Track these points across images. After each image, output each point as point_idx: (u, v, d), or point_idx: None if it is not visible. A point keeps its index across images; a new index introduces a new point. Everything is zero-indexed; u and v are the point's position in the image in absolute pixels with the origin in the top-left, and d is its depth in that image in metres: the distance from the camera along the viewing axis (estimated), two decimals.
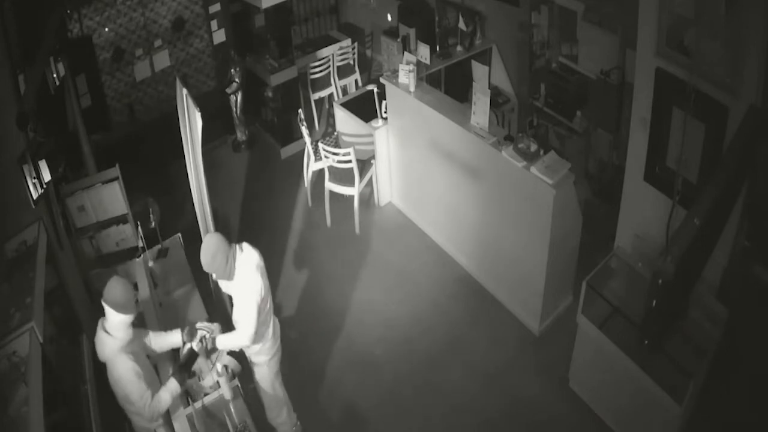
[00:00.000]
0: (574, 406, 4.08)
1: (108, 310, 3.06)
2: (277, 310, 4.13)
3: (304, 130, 5.50)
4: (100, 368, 3.61)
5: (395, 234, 5.63)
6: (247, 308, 3.30)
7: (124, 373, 3.07)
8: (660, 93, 3.47)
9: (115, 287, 3.07)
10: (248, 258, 3.37)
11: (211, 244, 3.24)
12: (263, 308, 3.37)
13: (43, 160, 3.67)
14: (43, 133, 3.90)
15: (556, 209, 4.04)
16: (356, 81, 7.14)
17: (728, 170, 2.92)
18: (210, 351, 3.43)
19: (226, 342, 3.39)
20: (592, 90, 5.12)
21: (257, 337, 3.39)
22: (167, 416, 3.37)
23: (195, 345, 3.37)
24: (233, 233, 5.72)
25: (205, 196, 3.84)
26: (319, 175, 5.98)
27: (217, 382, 3.36)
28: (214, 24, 6.53)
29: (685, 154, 3.30)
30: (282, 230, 5.76)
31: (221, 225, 5.43)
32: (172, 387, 3.22)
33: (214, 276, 3.42)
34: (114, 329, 3.07)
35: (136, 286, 4.02)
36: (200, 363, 3.53)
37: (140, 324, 3.80)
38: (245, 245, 3.42)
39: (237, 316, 3.40)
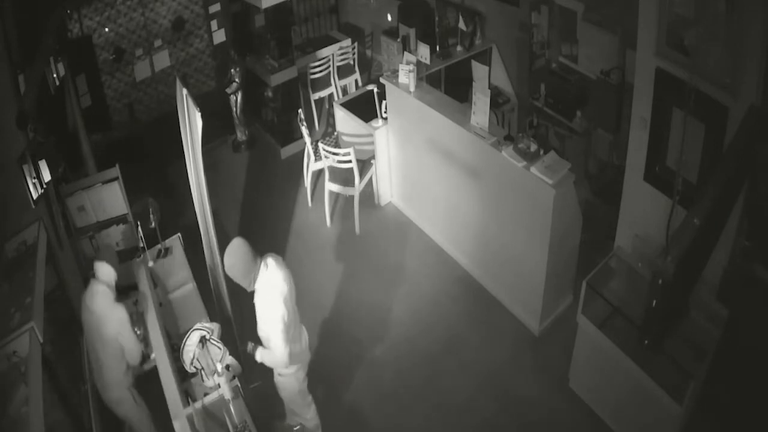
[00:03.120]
0: (573, 406, 4.08)
1: (97, 266, 3.49)
2: None
3: (304, 130, 5.50)
4: None
5: (395, 234, 5.63)
6: (274, 336, 3.22)
7: (124, 322, 3.44)
8: (660, 93, 3.47)
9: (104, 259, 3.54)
10: (271, 280, 3.23)
11: (233, 250, 3.16)
12: (289, 330, 3.27)
13: (43, 160, 3.67)
14: (43, 133, 3.91)
15: (556, 209, 4.04)
16: (356, 81, 7.14)
17: (728, 170, 2.92)
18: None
19: (265, 358, 3.36)
20: (592, 90, 5.11)
21: (292, 357, 3.33)
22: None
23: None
24: (233, 233, 5.72)
25: (205, 196, 3.83)
26: (319, 175, 5.98)
27: (218, 382, 3.36)
28: (214, 24, 6.54)
29: (685, 154, 3.30)
30: (282, 230, 5.76)
31: (221, 225, 5.44)
32: None
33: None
34: (103, 275, 3.47)
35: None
36: (202, 363, 3.53)
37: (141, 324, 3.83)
38: (271, 262, 3.25)
39: (263, 336, 3.36)
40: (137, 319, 3.84)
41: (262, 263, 3.23)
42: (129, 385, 3.63)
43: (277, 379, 3.62)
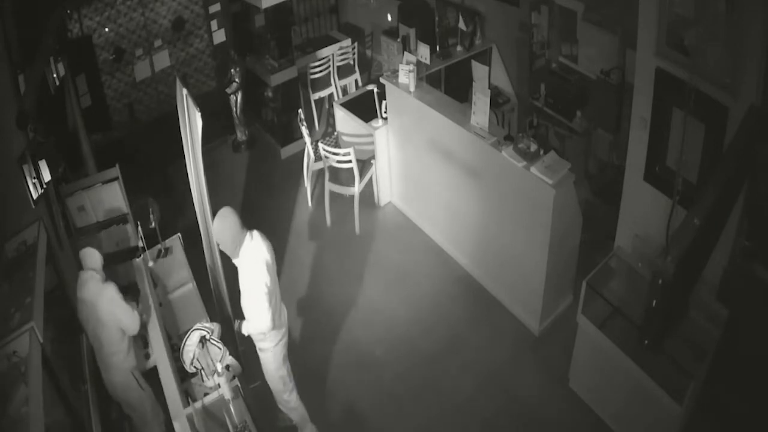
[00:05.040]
0: (573, 406, 4.08)
1: (85, 253, 3.54)
2: None
3: (304, 130, 5.50)
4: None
5: (395, 234, 5.63)
6: (257, 302, 3.35)
7: (116, 297, 3.48)
8: (660, 93, 3.47)
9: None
10: (255, 249, 3.39)
11: (223, 217, 3.34)
12: (271, 299, 3.40)
13: (43, 160, 3.67)
14: (43, 133, 3.91)
15: (556, 209, 4.04)
16: (356, 81, 7.14)
17: (728, 170, 2.92)
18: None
19: (249, 328, 3.49)
20: (592, 90, 5.12)
21: (273, 324, 3.47)
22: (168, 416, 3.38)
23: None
24: None
25: (205, 196, 3.83)
26: (319, 175, 5.98)
27: (218, 382, 3.36)
28: (214, 24, 6.54)
29: (685, 154, 3.30)
30: (282, 230, 5.76)
31: None
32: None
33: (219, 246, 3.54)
34: (89, 260, 3.52)
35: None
36: (202, 363, 3.53)
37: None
38: (256, 234, 3.44)
39: (245, 305, 3.44)
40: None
41: (248, 234, 3.41)
42: (131, 368, 3.66)
43: (259, 355, 3.69)
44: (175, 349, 3.71)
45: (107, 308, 3.46)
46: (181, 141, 4.20)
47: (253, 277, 3.35)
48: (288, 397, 3.82)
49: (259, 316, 3.38)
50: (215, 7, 6.47)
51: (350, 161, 5.27)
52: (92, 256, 3.54)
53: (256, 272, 3.35)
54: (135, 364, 3.70)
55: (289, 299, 5.06)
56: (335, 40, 7.07)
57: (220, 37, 6.63)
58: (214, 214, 3.91)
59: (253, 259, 3.38)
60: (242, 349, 3.93)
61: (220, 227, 3.35)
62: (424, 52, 5.41)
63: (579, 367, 4.08)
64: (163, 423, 3.83)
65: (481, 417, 4.11)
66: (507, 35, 6.01)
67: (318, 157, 5.60)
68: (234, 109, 6.54)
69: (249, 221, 5.88)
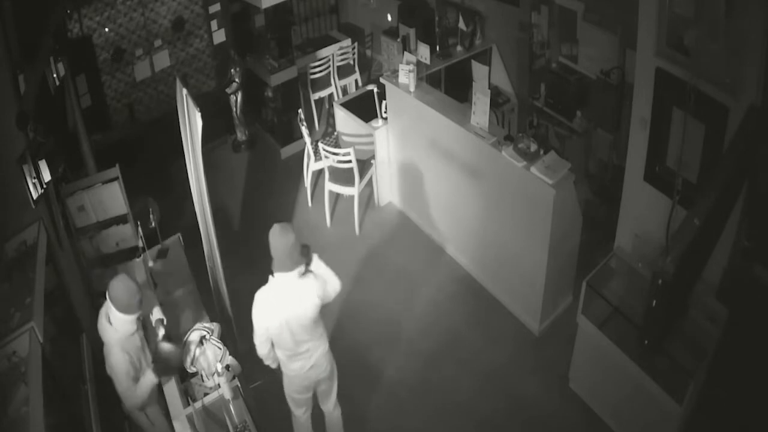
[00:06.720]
0: (573, 406, 4.08)
1: (110, 305, 3.12)
2: None
3: (304, 130, 5.50)
4: (100, 369, 3.62)
5: (395, 234, 5.63)
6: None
7: (116, 365, 3.17)
8: (660, 93, 3.47)
9: (118, 287, 3.10)
10: (282, 287, 3.26)
11: (274, 233, 3.15)
12: (272, 334, 3.37)
13: (43, 160, 3.67)
14: (43, 133, 3.90)
15: (556, 209, 4.04)
16: (356, 81, 7.15)
17: (728, 170, 2.92)
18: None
19: None
20: (592, 90, 5.12)
21: (267, 356, 3.49)
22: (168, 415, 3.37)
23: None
24: (233, 234, 5.73)
25: (205, 196, 3.83)
26: (319, 175, 5.98)
27: (218, 382, 3.36)
28: (214, 24, 6.53)
29: (685, 154, 3.30)
30: None
31: (221, 225, 5.42)
32: (147, 379, 3.22)
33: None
34: (116, 322, 3.15)
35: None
36: (202, 362, 3.53)
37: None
38: (293, 279, 3.24)
39: None
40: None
41: (297, 270, 3.25)
42: (143, 407, 3.43)
43: None
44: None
45: (109, 365, 3.23)
46: (181, 141, 4.20)
47: (255, 304, 3.30)
48: (295, 412, 3.74)
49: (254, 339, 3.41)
50: (215, 7, 6.46)
51: (350, 161, 5.26)
52: (112, 311, 3.12)
53: (258, 306, 3.29)
54: (149, 404, 3.45)
55: None
56: (335, 40, 7.07)
57: (220, 37, 6.62)
58: (214, 214, 3.92)
59: (270, 291, 3.28)
60: (243, 349, 3.93)
61: (270, 238, 3.17)
62: (424, 52, 5.41)
63: (579, 367, 4.08)
64: None
65: (480, 417, 4.11)
66: (507, 35, 6.01)
67: (318, 157, 5.60)
68: (234, 109, 6.54)
69: (249, 221, 5.92)
